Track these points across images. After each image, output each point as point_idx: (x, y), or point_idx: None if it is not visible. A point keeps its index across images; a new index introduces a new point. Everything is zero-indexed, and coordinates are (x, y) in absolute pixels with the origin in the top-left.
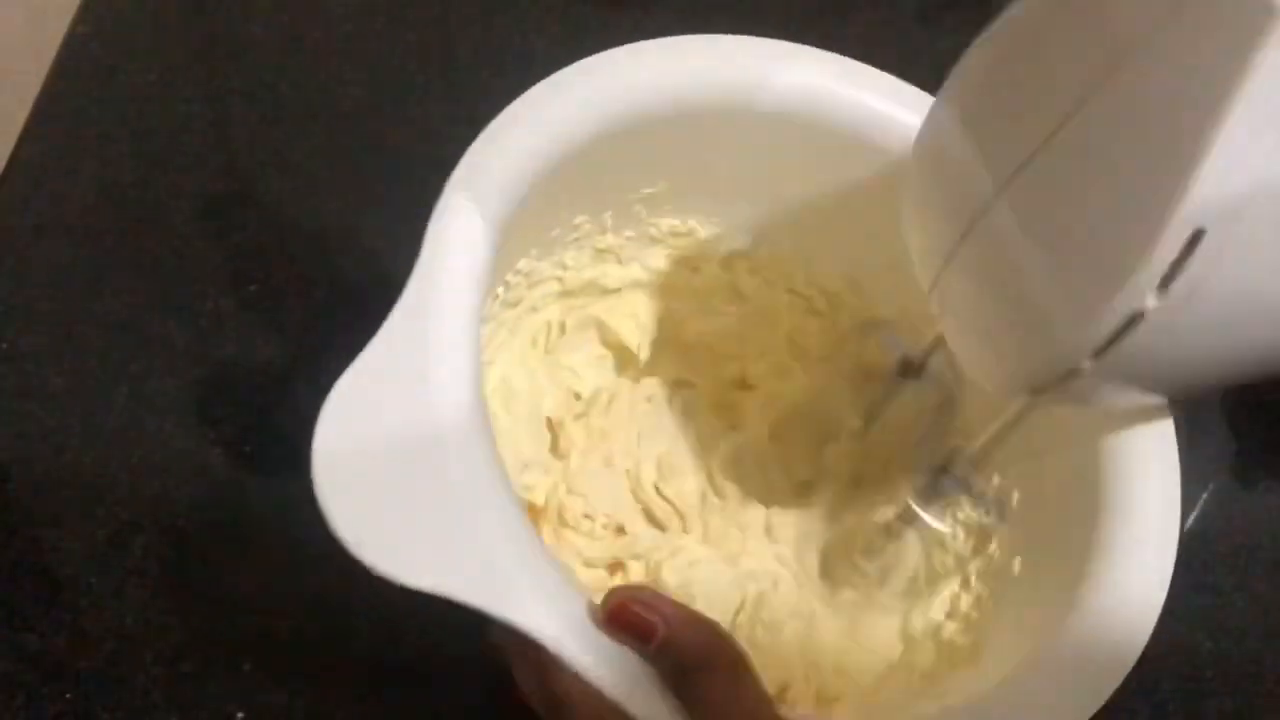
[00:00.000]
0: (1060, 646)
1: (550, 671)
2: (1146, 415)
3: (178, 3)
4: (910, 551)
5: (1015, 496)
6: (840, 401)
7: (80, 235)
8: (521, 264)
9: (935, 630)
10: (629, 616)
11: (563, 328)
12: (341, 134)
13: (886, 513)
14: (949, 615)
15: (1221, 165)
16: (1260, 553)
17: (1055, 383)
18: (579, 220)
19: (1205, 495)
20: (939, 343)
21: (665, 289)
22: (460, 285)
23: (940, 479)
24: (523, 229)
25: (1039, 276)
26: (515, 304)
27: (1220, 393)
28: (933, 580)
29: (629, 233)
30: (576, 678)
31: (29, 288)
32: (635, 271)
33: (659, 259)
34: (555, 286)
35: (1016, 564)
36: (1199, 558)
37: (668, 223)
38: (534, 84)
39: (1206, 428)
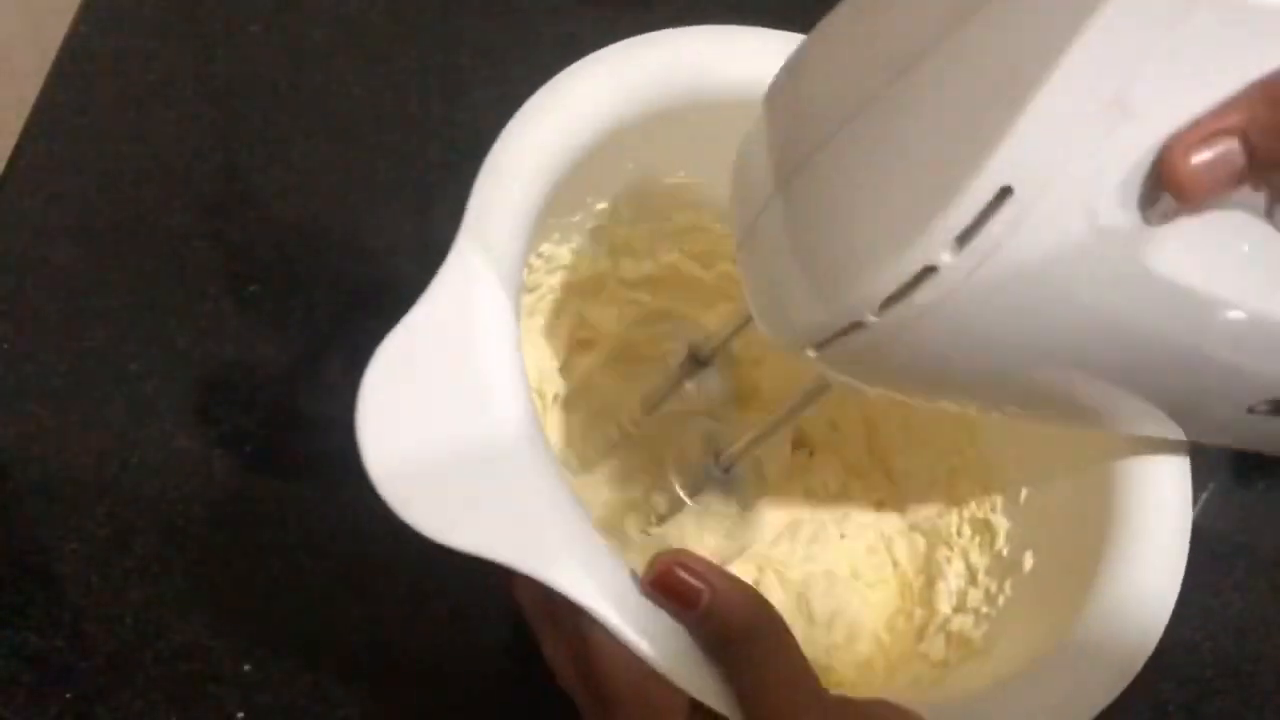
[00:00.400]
0: (1072, 641)
1: (586, 640)
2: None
3: (178, 3)
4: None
5: (1024, 493)
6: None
7: (80, 235)
8: (545, 247)
9: (944, 623)
10: (674, 582)
11: (567, 316)
12: (341, 134)
13: (659, 499)
14: (957, 609)
15: (1040, 125)
16: (1260, 553)
17: (838, 335)
18: (600, 207)
19: (1205, 495)
20: (725, 338)
21: (673, 284)
22: (504, 254)
23: (708, 467)
24: (549, 211)
25: (846, 223)
26: (534, 289)
27: None
28: (932, 577)
29: (645, 225)
30: (613, 646)
31: (29, 288)
32: (647, 266)
33: (672, 253)
34: (569, 275)
35: (1028, 560)
36: (1199, 558)
37: (684, 216)
38: (534, 84)
39: None
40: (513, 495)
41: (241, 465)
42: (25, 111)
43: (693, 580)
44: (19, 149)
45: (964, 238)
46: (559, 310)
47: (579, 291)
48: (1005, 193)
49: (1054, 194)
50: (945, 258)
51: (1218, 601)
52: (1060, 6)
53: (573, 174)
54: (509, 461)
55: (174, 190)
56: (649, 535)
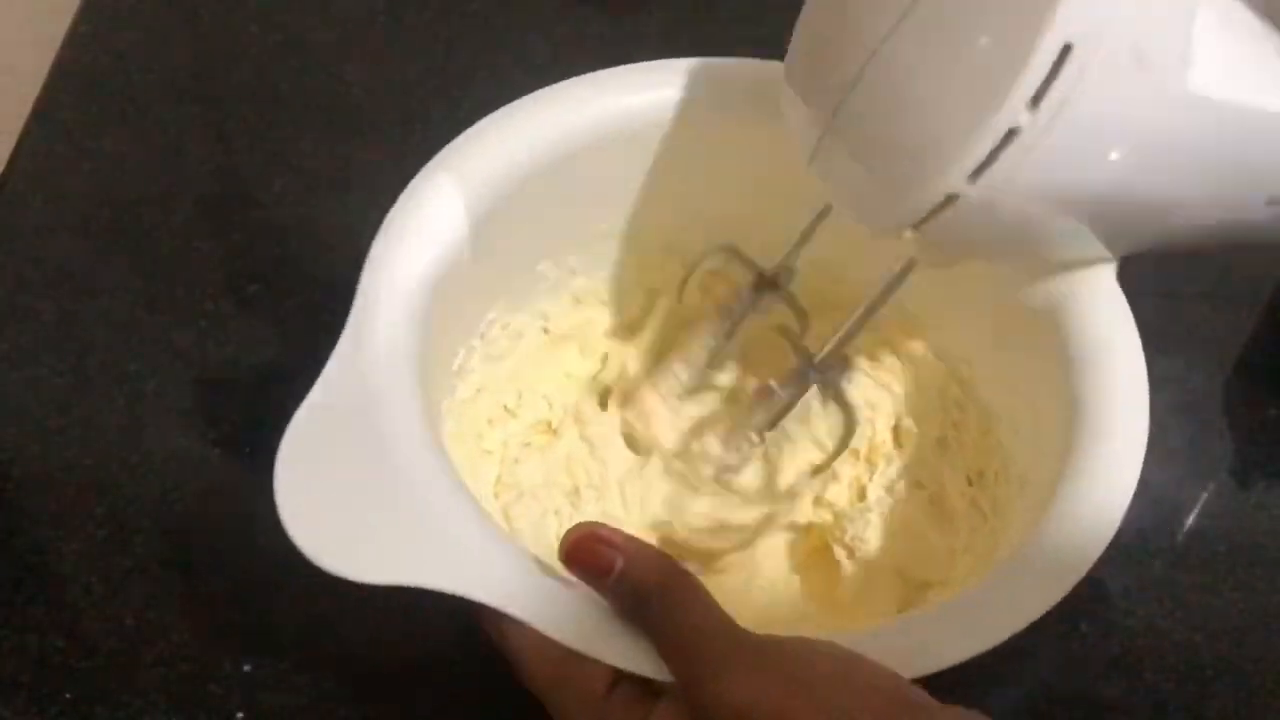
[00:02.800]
0: (1036, 539)
1: (506, 639)
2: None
3: (178, 3)
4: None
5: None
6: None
7: (80, 235)
8: (491, 315)
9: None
10: (586, 552)
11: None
12: (341, 134)
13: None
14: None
15: None
16: (1260, 553)
17: (935, 211)
18: (542, 267)
19: (1205, 495)
20: (789, 261)
21: (655, 325)
22: (397, 319)
23: (803, 372)
24: (476, 280)
25: (928, 105)
26: (500, 357)
27: (1221, 390)
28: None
29: (601, 273)
30: (526, 640)
31: (29, 288)
32: (619, 313)
33: (639, 295)
34: (541, 338)
35: (1014, 502)
36: (1199, 558)
37: (637, 258)
38: (534, 84)
39: (1207, 427)
40: (416, 528)
41: (241, 465)
42: (25, 111)
43: (604, 549)
44: (19, 149)
45: (1037, 98)
46: (538, 372)
47: (555, 351)
48: (1067, 50)
49: (1106, 43)
50: (1023, 119)
51: (1218, 601)
52: None
53: (485, 236)
54: (409, 502)
55: (174, 190)
56: (757, 443)
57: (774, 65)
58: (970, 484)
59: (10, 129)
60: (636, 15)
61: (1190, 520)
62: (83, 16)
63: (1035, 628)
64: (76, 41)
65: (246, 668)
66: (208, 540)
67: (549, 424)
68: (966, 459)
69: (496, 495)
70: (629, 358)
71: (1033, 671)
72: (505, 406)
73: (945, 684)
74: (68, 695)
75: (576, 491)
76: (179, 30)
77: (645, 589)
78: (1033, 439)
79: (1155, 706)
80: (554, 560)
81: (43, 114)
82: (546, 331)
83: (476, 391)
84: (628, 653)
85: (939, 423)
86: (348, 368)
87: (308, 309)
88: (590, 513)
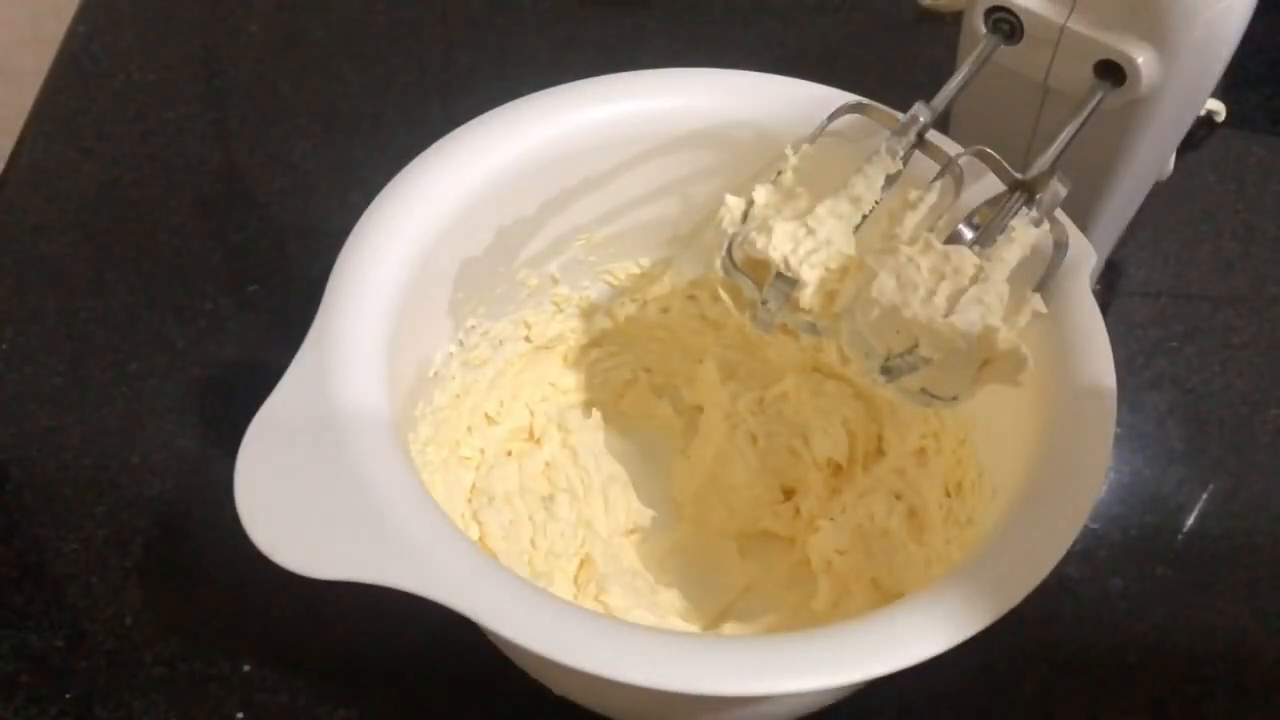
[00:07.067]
0: (1000, 543)
1: None
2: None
3: (178, 3)
4: None
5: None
6: None
7: (80, 235)
8: (471, 323)
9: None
10: None
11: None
12: (341, 134)
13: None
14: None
15: None
16: (1260, 553)
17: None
18: (522, 276)
19: (1205, 495)
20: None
21: (638, 334)
22: (363, 321)
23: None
24: (453, 285)
25: None
26: (480, 364)
27: (1221, 390)
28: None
29: (584, 283)
30: None
31: (29, 288)
32: (602, 322)
33: (624, 305)
34: (523, 347)
35: (994, 493)
36: (1199, 558)
37: (620, 266)
38: (533, 84)
39: (1206, 427)
40: (370, 527)
41: None
42: (25, 111)
43: None
44: (19, 149)
45: None
46: (520, 380)
47: (537, 360)
48: None
49: None
50: None
51: (1218, 601)
52: None
53: (460, 245)
54: (364, 501)
55: (174, 190)
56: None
57: (768, 78)
58: (949, 495)
59: (10, 129)
60: (640, 13)
61: (1190, 520)
62: (83, 16)
63: (1037, 628)
64: (76, 41)
65: (246, 668)
66: (207, 540)
67: (531, 432)
68: (945, 469)
69: (470, 500)
70: (617, 365)
71: (1034, 670)
72: (486, 414)
73: (946, 682)
74: (68, 695)
75: (552, 497)
76: (179, 30)
77: None
78: (1003, 446)
79: (1155, 707)
80: (521, 565)
81: (43, 114)
82: (528, 340)
83: (455, 398)
84: (580, 652)
85: (918, 433)
86: (311, 368)
87: (307, 309)
88: (565, 518)
